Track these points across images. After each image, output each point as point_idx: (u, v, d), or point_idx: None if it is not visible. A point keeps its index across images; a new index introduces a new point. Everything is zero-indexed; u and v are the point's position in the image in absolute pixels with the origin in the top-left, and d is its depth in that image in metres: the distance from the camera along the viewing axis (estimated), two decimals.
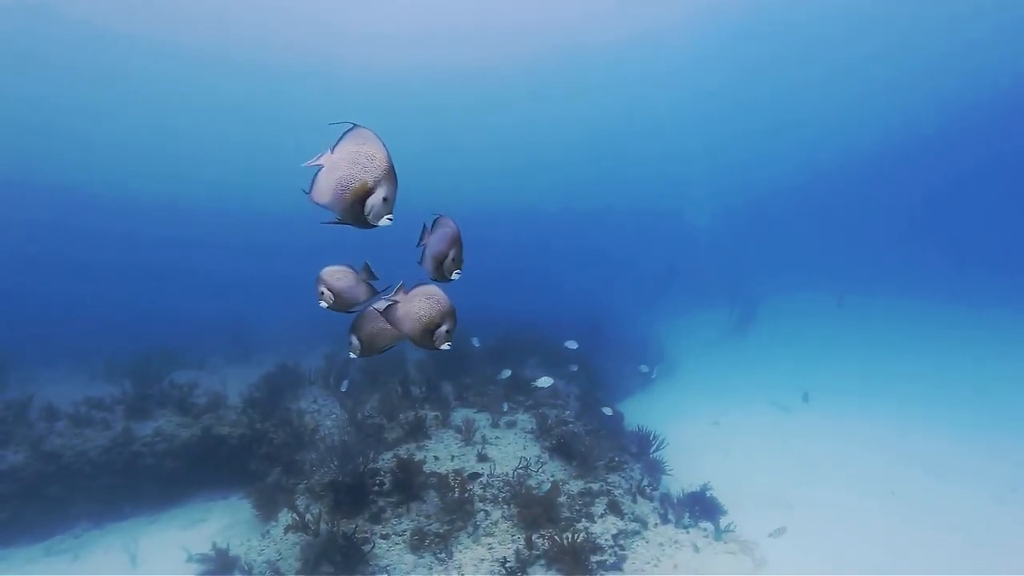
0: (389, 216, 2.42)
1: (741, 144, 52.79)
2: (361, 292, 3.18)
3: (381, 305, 2.96)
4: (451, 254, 2.77)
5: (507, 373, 11.11)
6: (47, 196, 46.09)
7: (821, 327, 22.67)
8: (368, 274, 3.18)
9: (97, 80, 35.10)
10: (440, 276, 2.85)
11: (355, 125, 2.35)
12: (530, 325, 17.25)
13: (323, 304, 3.15)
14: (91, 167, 46.68)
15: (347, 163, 2.34)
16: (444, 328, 2.86)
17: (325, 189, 2.39)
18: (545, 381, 9.99)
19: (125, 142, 44.46)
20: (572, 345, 11.82)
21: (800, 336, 21.64)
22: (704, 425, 13.14)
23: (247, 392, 10.66)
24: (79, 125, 41.09)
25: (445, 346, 2.90)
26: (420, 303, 2.86)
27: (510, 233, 46.02)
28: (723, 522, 7.91)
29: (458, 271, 2.82)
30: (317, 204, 2.44)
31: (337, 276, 3.16)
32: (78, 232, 43.50)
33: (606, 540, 7.07)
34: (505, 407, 10.43)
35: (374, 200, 2.35)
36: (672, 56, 36.37)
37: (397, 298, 2.91)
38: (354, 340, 3.09)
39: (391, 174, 2.36)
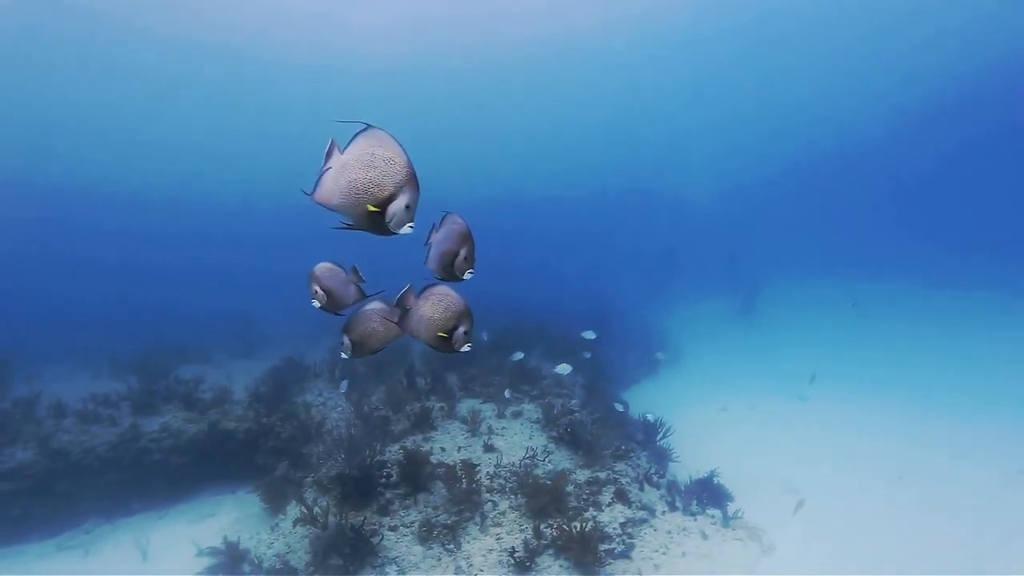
0: (411, 224, 2.29)
1: (739, 129, 52.33)
2: (351, 293, 3.11)
3: (393, 314, 2.82)
4: (463, 252, 2.59)
5: (520, 355, 11.01)
6: (48, 194, 46.04)
7: (824, 314, 22.60)
8: (356, 276, 3.11)
9: (97, 76, 34.85)
10: (448, 276, 2.66)
11: (368, 125, 2.21)
12: (532, 314, 17.21)
13: (315, 304, 3.06)
14: (92, 164, 46.58)
15: (361, 166, 2.20)
16: (462, 330, 2.71)
17: (334, 191, 2.24)
18: (564, 368, 9.97)
19: (126, 138, 44.29)
20: (590, 335, 11.72)
21: (804, 322, 21.60)
22: (711, 412, 13.14)
23: (253, 386, 10.67)
24: (79, 122, 40.91)
25: (465, 348, 2.74)
26: (433, 306, 2.70)
27: (510, 222, 45.90)
28: (731, 509, 7.92)
29: (471, 271, 2.64)
30: (323, 206, 2.29)
31: (329, 275, 3.07)
32: (80, 230, 43.51)
33: (614, 528, 7.09)
34: (508, 394, 10.41)
35: (396, 207, 2.21)
36: (670, 41, 35.94)
37: (407, 303, 2.76)
38: (346, 340, 3.02)
39: (413, 180, 2.22)
